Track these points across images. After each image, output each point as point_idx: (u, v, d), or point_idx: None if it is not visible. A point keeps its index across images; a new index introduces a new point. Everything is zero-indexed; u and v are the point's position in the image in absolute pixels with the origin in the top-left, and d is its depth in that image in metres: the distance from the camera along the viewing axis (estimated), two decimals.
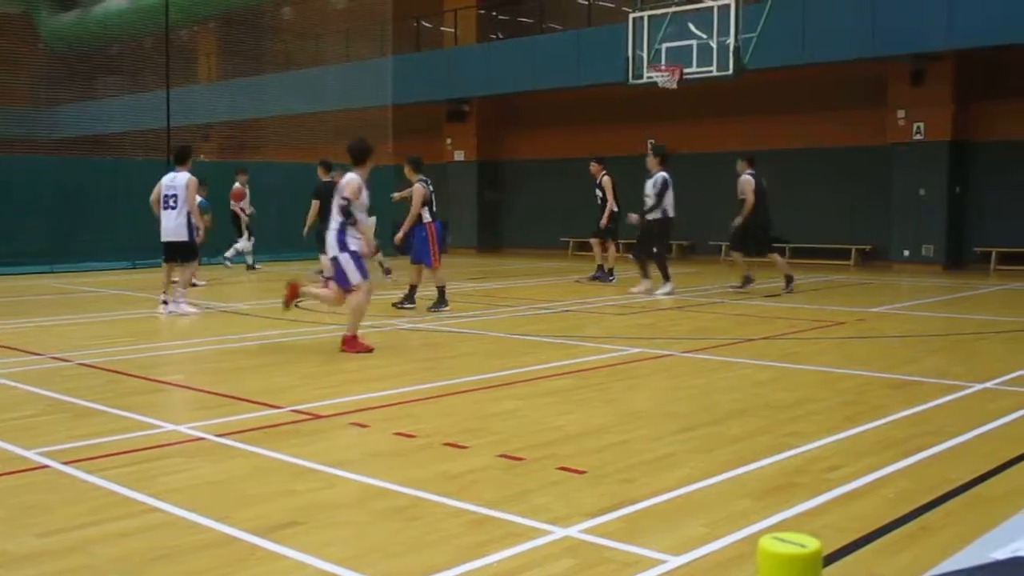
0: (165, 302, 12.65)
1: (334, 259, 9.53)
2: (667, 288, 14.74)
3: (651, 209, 14.77)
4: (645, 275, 15.07)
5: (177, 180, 12.50)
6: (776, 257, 15.62)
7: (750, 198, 15.06)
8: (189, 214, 12.48)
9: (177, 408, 7.24)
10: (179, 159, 12.81)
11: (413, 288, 13.05)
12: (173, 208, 12.46)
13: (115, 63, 34.27)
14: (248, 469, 5.33)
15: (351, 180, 9.54)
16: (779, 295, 14.80)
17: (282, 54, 31.49)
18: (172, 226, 12.52)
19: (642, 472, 5.21)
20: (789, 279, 15.35)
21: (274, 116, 28.64)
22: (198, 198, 17.08)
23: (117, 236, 20.68)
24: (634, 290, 15.00)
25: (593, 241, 17.87)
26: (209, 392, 7.47)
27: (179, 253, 12.69)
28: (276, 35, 32.28)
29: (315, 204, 15.68)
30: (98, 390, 7.55)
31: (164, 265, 12.94)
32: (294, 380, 8.04)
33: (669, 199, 14.79)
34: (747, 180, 15.17)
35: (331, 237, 9.52)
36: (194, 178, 12.54)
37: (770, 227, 15.47)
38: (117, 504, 4.69)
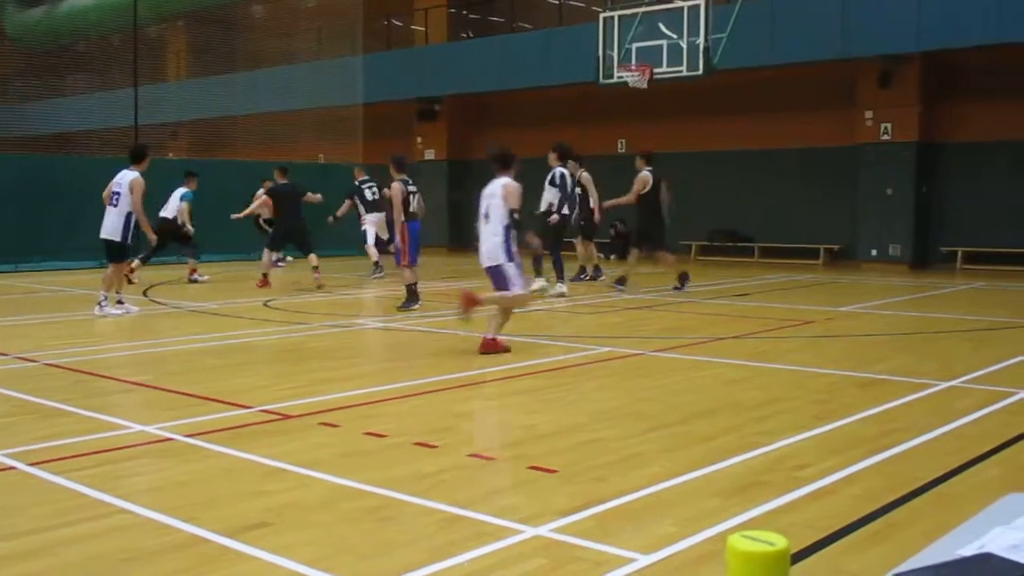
0: (120, 301, 12.47)
1: (498, 267, 9.31)
2: (561, 288, 14.47)
3: (559, 206, 14.66)
4: (539, 273, 14.63)
5: (124, 178, 12.30)
6: (664, 255, 15.39)
7: (634, 192, 14.86)
8: (130, 214, 12.23)
9: (145, 408, 7.18)
10: (133, 158, 12.57)
11: (413, 287, 12.84)
12: (115, 206, 12.26)
13: (83, 60, 33.94)
14: (217, 470, 5.30)
15: (516, 188, 9.39)
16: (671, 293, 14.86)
17: (252, 52, 31.28)
18: (109, 224, 12.30)
19: (612, 471, 5.23)
20: (684, 277, 15.27)
21: (244, 115, 28.48)
22: (183, 189, 17.30)
23: (84, 235, 20.39)
24: (547, 292, 14.39)
25: (576, 241, 17.27)
26: (178, 392, 7.42)
27: (110, 252, 12.43)
28: (246, 33, 32.07)
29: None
30: (65, 391, 7.48)
31: (109, 265, 12.68)
32: (263, 380, 8.00)
33: (559, 196, 14.65)
34: (643, 176, 14.89)
35: (497, 246, 9.29)
36: (140, 179, 12.21)
37: (663, 225, 15.11)
38: (85, 506, 4.65)
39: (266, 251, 16.43)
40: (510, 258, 9.31)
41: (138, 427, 6.25)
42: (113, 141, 26.03)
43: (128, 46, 25.42)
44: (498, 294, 9.44)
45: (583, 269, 17.16)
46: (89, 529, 4.32)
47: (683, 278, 15.24)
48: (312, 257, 15.94)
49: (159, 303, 13.79)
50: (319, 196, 16.98)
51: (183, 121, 30.56)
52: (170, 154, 29.36)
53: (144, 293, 15.18)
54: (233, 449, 5.66)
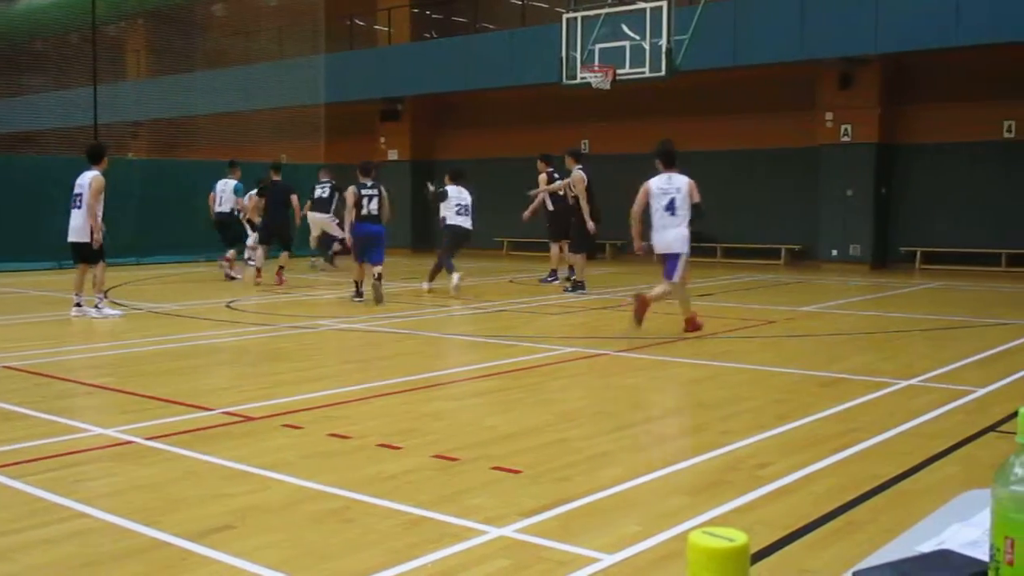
0: (79, 304, 12.34)
1: (676, 256, 10.29)
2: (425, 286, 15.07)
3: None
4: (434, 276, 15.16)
5: (85, 179, 12.16)
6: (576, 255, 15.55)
7: (583, 193, 14.90)
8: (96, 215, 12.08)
9: (105, 411, 7.10)
10: (91, 157, 12.40)
11: (358, 283, 13.76)
12: (79, 208, 12.11)
13: (41, 59, 33.50)
14: (179, 473, 5.26)
15: (690, 183, 10.43)
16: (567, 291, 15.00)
17: (213, 51, 31.03)
18: (76, 225, 12.14)
19: (576, 471, 5.24)
20: (574, 281, 15.35)
21: (205, 114, 28.25)
22: (233, 181, 17.69)
23: (42, 236, 20.21)
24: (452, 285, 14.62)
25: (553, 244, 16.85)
26: (139, 395, 7.35)
27: (82, 254, 12.26)
28: (207, 32, 31.82)
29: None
30: (23, 393, 7.37)
31: (78, 266, 12.54)
32: (226, 382, 7.95)
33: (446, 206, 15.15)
34: (580, 176, 14.95)
35: (680, 238, 10.30)
36: (101, 178, 12.07)
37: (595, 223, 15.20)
38: (43, 510, 4.59)
39: (260, 248, 16.56)
40: (687, 250, 10.43)
41: (98, 430, 6.18)
42: (72, 140, 25.73)
43: (87, 45, 25.12)
44: (658, 289, 10.45)
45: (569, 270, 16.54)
46: (48, 534, 4.26)
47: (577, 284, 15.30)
48: (284, 256, 16.13)
49: (119, 304, 13.64)
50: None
51: (143, 120, 30.27)
52: (130, 154, 29.06)
53: (104, 294, 15.00)
54: (195, 452, 5.61)
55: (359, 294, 13.71)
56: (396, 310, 12.85)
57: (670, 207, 10.33)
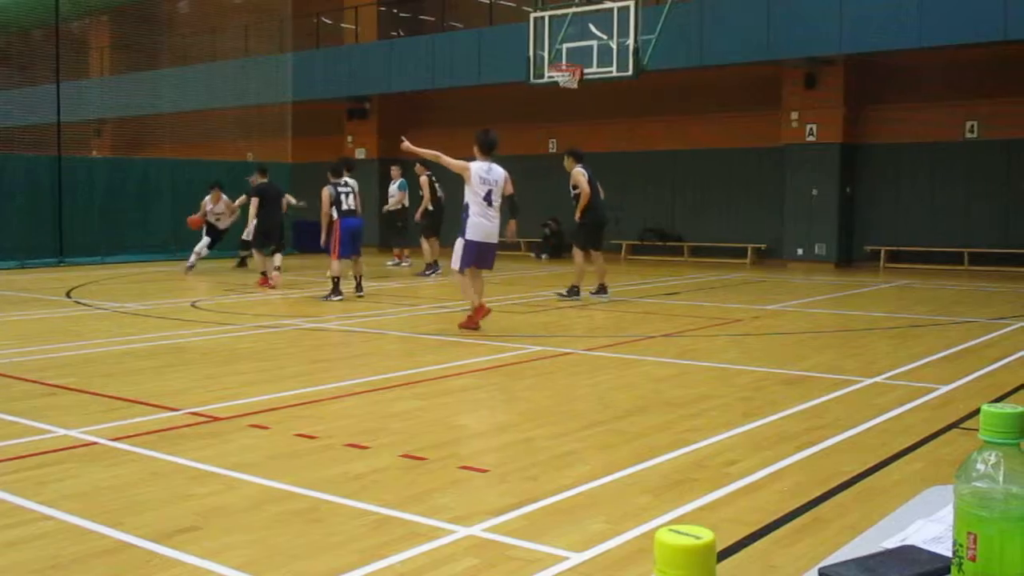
0: None
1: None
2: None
3: None
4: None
5: None
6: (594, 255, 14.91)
7: (585, 189, 14.43)
8: None
9: (69, 412, 7.01)
10: None
11: (336, 280, 13.76)
12: None
13: (3, 55, 33.06)
14: (144, 474, 5.21)
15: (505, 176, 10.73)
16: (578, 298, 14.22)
17: (178, 49, 30.79)
18: None
19: (543, 470, 5.25)
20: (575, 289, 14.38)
21: (170, 112, 28.03)
22: (400, 179, 18.75)
23: (4, 235, 20.00)
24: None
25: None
26: (103, 395, 7.28)
27: None
28: (172, 29, 31.57)
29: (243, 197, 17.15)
30: None
31: None
32: (192, 382, 7.88)
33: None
34: (580, 172, 14.22)
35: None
36: None
37: (605, 223, 14.68)
38: (5, 512, 4.53)
39: (255, 252, 16.35)
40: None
41: (62, 431, 6.12)
42: (35, 138, 25.44)
43: (50, 41, 24.85)
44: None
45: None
46: (10, 537, 4.21)
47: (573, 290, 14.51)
48: (278, 257, 16.03)
49: (83, 304, 13.51)
50: (304, 203, 17.82)
51: (107, 118, 29.98)
52: (94, 152, 28.78)
53: (67, 294, 14.87)
54: (160, 452, 5.57)
55: (338, 292, 13.66)
56: (363, 310, 12.81)
57: (487, 198, 10.57)
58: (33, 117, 26.06)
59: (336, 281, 13.69)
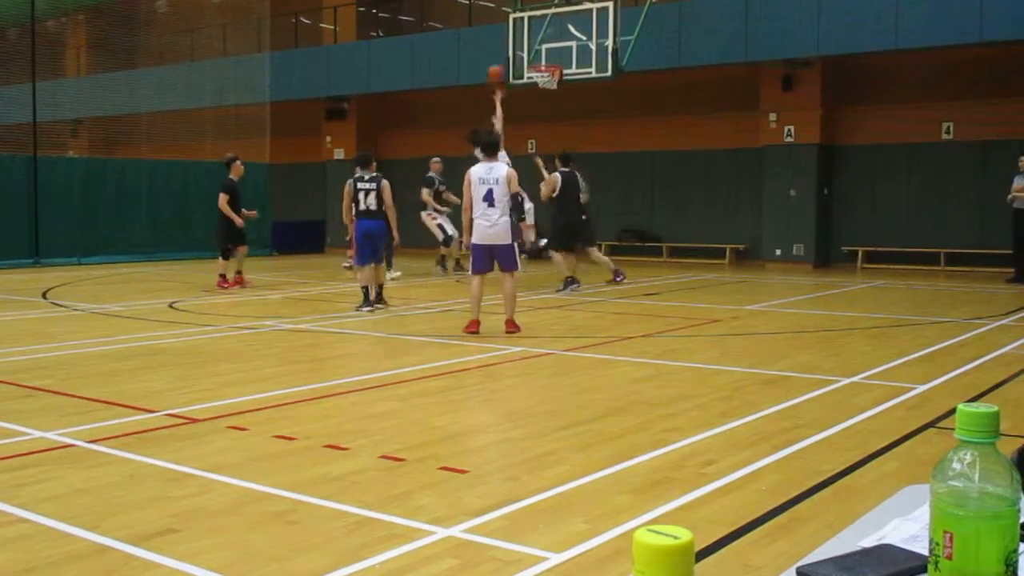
0: None
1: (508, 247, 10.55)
2: None
3: None
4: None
5: None
6: (594, 251, 15.92)
7: (549, 188, 15.05)
8: None
9: (45, 414, 6.97)
10: None
11: (365, 289, 12.69)
12: None
13: None
14: (121, 476, 5.18)
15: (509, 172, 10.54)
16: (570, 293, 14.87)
17: (156, 48, 30.62)
18: None
19: (523, 470, 5.25)
20: (571, 280, 15.16)
21: (148, 112, 27.87)
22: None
23: None
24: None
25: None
26: (79, 397, 7.23)
27: None
28: (149, 28, 31.36)
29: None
30: None
31: None
32: (169, 383, 7.84)
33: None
34: (554, 176, 15.22)
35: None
36: None
37: (584, 222, 15.44)
38: None
39: (239, 249, 16.04)
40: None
41: (38, 433, 6.07)
42: (10, 138, 25.25)
43: (25, 40, 24.66)
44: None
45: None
46: None
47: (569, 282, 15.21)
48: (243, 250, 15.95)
49: (59, 305, 13.41)
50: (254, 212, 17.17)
51: (84, 118, 29.79)
52: (71, 152, 28.58)
53: (43, 295, 14.76)
54: (137, 454, 5.54)
55: (368, 303, 12.54)
56: (343, 311, 12.77)
57: (488, 198, 10.36)
58: (8, 117, 25.87)
59: (365, 291, 12.61)
